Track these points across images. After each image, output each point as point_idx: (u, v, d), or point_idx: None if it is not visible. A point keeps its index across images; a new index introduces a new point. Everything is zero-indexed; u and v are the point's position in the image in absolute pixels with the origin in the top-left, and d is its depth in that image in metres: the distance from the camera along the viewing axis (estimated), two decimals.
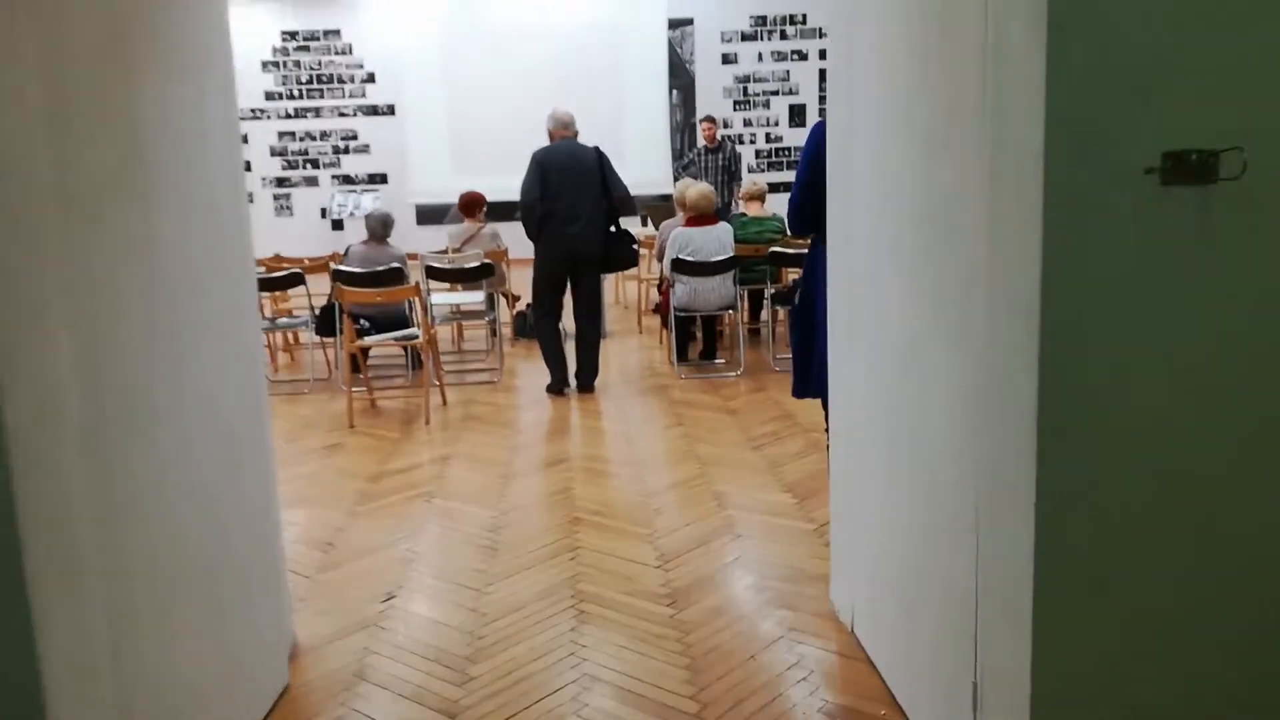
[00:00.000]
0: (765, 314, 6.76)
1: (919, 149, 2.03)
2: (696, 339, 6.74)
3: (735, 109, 12.91)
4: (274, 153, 12.89)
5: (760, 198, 6.64)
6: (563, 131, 5.59)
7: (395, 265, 5.83)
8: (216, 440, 2.32)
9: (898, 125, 2.15)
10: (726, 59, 12.85)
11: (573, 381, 5.69)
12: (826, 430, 2.96)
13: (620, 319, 8.26)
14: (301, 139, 12.91)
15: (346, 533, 3.58)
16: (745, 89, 12.92)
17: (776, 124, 13.00)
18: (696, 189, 5.99)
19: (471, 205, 7.04)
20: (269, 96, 12.75)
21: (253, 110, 12.71)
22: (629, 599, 2.91)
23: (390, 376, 6.33)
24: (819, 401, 3.11)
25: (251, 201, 12.75)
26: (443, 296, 6.91)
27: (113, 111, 1.81)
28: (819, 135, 2.67)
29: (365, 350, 5.83)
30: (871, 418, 2.43)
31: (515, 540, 3.42)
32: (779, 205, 7.28)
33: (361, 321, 5.55)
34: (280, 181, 12.99)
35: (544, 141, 5.62)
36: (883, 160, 2.26)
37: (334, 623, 2.84)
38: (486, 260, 6.24)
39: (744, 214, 6.75)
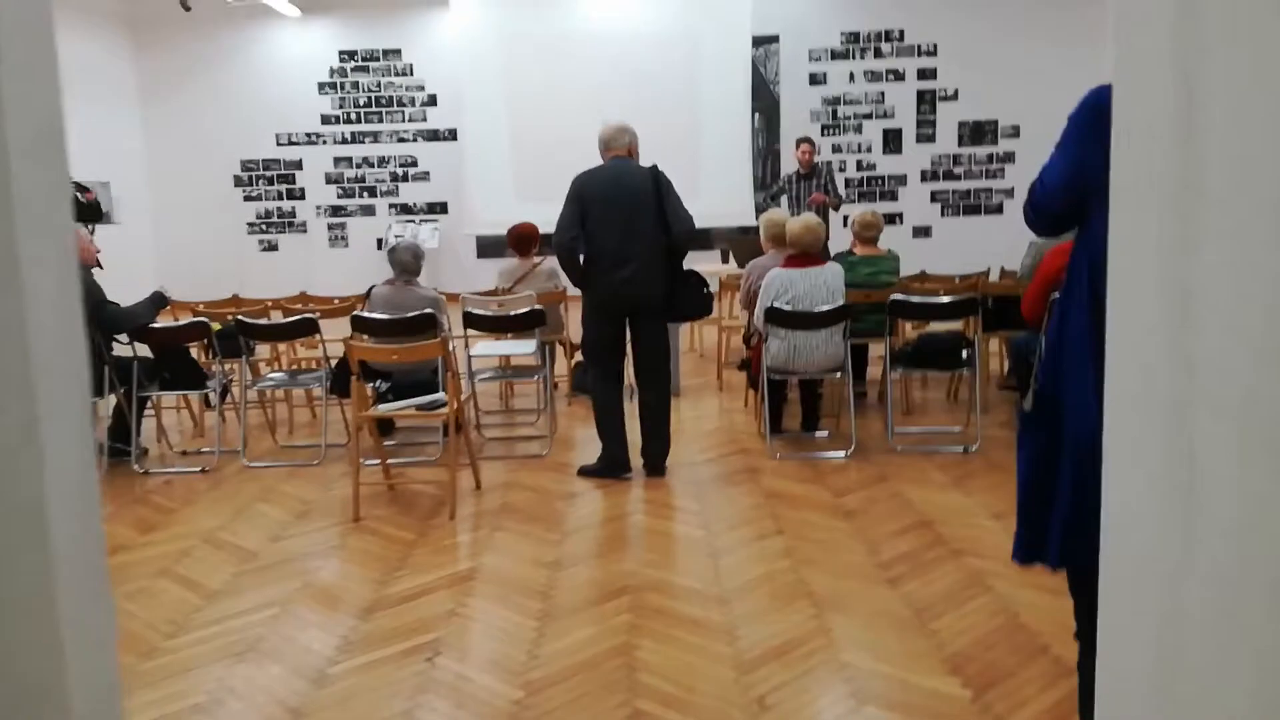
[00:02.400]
0: (876, 372, 5.51)
1: None
2: (786, 400, 5.50)
3: (824, 134, 11.69)
4: (329, 180, 12.11)
5: (874, 238, 5.40)
6: (611, 152, 4.40)
7: (426, 311, 4.74)
8: None
9: None
10: (814, 79, 11.67)
11: (637, 461, 4.53)
12: (1077, 635, 1.74)
13: (696, 370, 7.08)
14: (358, 165, 12.11)
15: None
16: (834, 112, 11.72)
17: (869, 150, 11.76)
18: (800, 221, 4.79)
19: (523, 240, 5.92)
20: (325, 120, 12.00)
21: (308, 134, 11.98)
22: None
23: (421, 443, 5.25)
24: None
25: (271, 231, 12.04)
26: (488, 346, 5.84)
27: None
28: (1101, 102, 1.58)
29: (385, 419, 4.76)
30: (1238, 638, 1.19)
31: None
32: (885, 241, 6.07)
33: (379, 382, 4.47)
34: (335, 210, 12.20)
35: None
36: None
37: None
38: (538, 306, 5.14)
39: (851, 252, 5.54)
